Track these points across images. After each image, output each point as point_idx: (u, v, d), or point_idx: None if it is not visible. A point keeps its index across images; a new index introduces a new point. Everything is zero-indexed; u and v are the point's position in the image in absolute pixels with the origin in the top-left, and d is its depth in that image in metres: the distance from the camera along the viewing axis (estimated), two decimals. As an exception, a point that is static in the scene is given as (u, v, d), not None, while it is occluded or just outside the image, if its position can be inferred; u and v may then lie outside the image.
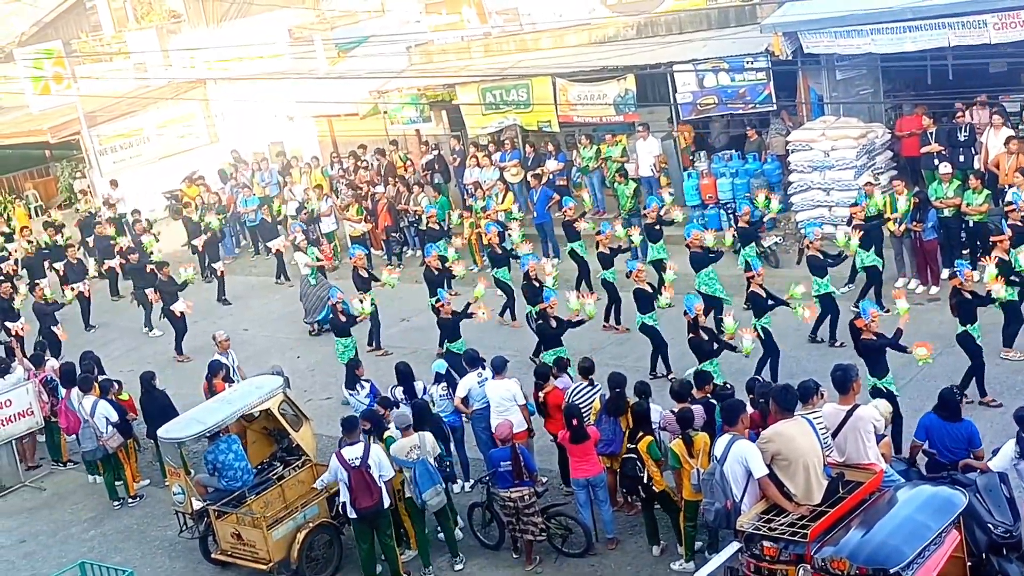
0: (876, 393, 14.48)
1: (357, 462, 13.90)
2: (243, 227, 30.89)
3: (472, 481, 16.14)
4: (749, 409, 13.19)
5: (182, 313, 23.52)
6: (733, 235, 20.62)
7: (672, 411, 13.82)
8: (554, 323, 17.88)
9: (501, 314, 21.68)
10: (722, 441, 11.71)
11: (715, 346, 16.30)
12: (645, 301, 18.45)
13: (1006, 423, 14.48)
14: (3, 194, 38.88)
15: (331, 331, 20.16)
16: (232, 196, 31.17)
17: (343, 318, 19.66)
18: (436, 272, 21.31)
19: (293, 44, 34.59)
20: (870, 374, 14.71)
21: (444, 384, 16.35)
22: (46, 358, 20.70)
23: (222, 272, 27.31)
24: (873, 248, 19.45)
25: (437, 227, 24.71)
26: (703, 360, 16.18)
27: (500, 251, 22.10)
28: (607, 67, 25.21)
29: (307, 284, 23.67)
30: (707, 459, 12.85)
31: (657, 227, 21.46)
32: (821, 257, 18.63)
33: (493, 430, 14.90)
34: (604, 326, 20.67)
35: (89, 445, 17.75)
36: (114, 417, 17.63)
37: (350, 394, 16.65)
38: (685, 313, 16.59)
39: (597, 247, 21.16)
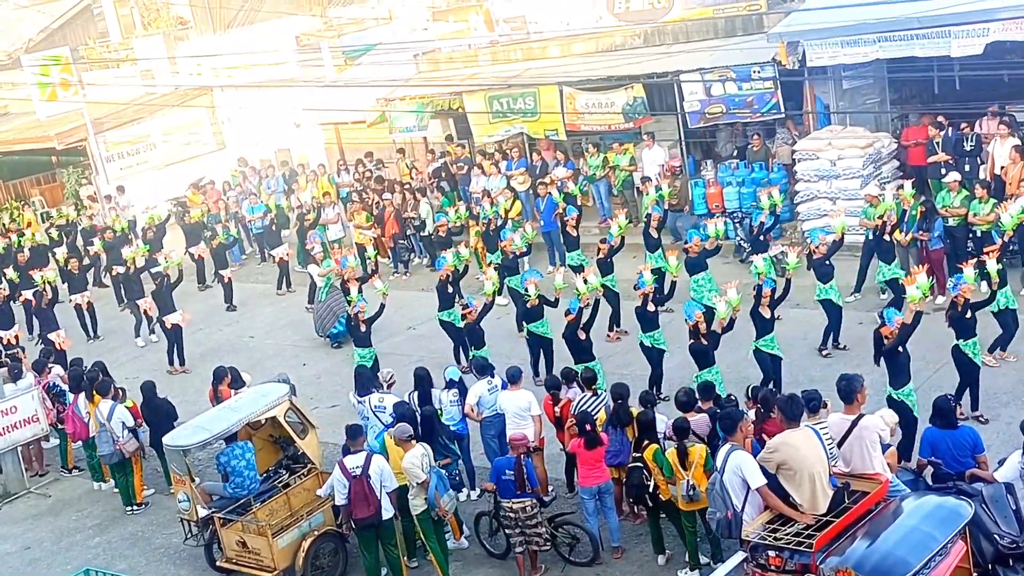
0: (891, 403, 14.48)
1: (358, 471, 13.89)
2: (249, 234, 30.88)
3: (478, 490, 16.14)
4: (751, 416, 13.26)
5: (175, 325, 23.29)
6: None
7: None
8: (582, 335, 17.62)
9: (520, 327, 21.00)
10: (722, 451, 11.75)
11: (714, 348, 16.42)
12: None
13: (1012, 433, 14.47)
14: (10, 200, 38.94)
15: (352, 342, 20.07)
16: (237, 203, 31.21)
17: (363, 328, 19.63)
18: (449, 286, 20.63)
19: (300, 51, 34.65)
20: (890, 383, 14.77)
21: (455, 391, 16.31)
22: (49, 364, 20.70)
23: (229, 279, 27.33)
24: (896, 260, 19.45)
25: (444, 235, 24.69)
26: (703, 368, 16.27)
27: (512, 257, 22.05)
28: (614, 76, 25.23)
29: (318, 298, 23.63)
30: (701, 471, 12.98)
31: (655, 235, 21.47)
32: (824, 261, 18.67)
33: (509, 440, 14.92)
34: (608, 336, 20.64)
35: (106, 449, 17.70)
36: (130, 422, 17.63)
37: (359, 401, 16.60)
38: (686, 321, 16.63)
39: (598, 253, 21.19)
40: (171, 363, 23.46)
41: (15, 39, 43.76)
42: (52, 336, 23.14)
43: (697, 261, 19.91)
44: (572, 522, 14.50)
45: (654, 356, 18.11)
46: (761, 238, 20.70)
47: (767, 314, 17.01)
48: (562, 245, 23.40)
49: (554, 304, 18.82)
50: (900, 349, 14.69)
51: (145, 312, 24.74)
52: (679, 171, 24.66)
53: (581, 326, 17.54)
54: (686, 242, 20.43)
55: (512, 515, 13.89)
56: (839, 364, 17.45)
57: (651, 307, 17.98)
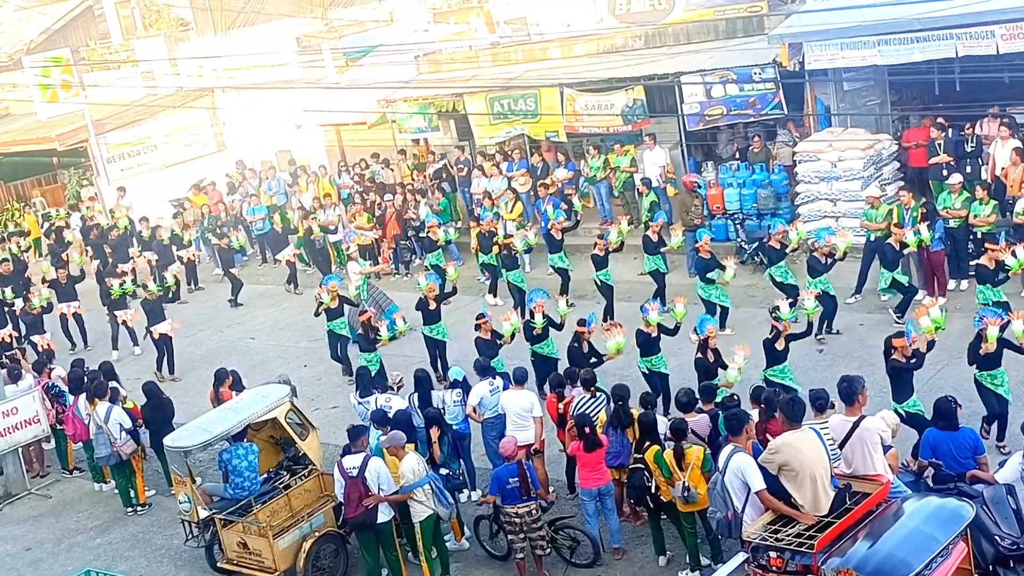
0: (900, 417, 14.38)
1: (354, 472, 13.90)
2: (250, 235, 30.88)
3: (479, 492, 16.11)
4: (755, 417, 13.25)
5: (163, 335, 23.05)
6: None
7: (677, 422, 13.86)
8: (586, 348, 17.36)
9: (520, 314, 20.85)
10: (724, 452, 11.73)
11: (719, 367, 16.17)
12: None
13: (1013, 435, 14.48)
14: (11, 201, 38.96)
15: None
16: (239, 205, 31.21)
17: (371, 334, 19.54)
18: (432, 303, 20.26)
19: (301, 53, 34.63)
20: (893, 398, 14.70)
21: (459, 391, 16.30)
22: (49, 365, 20.68)
23: (236, 276, 27.43)
24: (900, 267, 19.42)
25: (434, 237, 24.73)
26: (703, 381, 16.11)
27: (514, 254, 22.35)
28: (615, 77, 25.22)
29: (360, 298, 22.68)
30: (698, 472, 13.00)
31: (655, 239, 21.46)
32: (821, 261, 19.05)
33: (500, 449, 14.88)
34: (603, 326, 20.56)
35: (103, 451, 17.70)
36: (128, 424, 17.60)
37: (360, 403, 16.58)
38: (696, 332, 16.50)
39: (594, 247, 21.40)
40: (159, 370, 23.18)
41: (16, 40, 43.78)
42: (36, 338, 23.15)
43: (708, 263, 19.85)
44: (572, 525, 14.49)
45: (657, 381, 17.56)
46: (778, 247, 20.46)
47: (780, 346, 16.40)
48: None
49: (559, 328, 18.72)
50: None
51: (125, 323, 24.51)
52: (697, 187, 24.00)
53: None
54: (696, 241, 20.34)
55: (517, 519, 13.82)
56: (840, 365, 17.44)
57: (654, 331, 17.53)
